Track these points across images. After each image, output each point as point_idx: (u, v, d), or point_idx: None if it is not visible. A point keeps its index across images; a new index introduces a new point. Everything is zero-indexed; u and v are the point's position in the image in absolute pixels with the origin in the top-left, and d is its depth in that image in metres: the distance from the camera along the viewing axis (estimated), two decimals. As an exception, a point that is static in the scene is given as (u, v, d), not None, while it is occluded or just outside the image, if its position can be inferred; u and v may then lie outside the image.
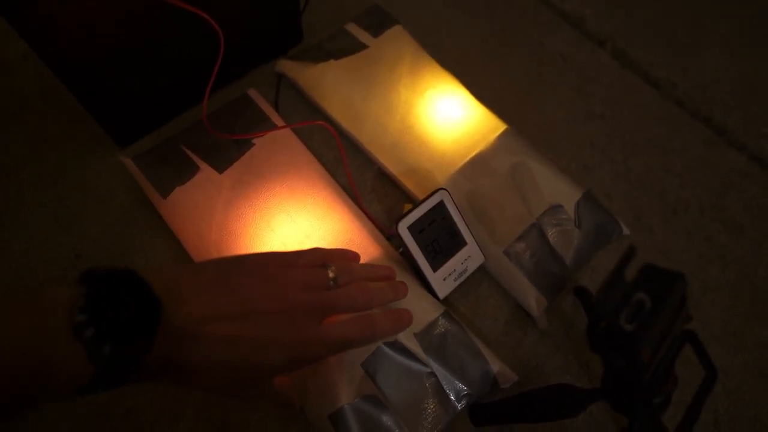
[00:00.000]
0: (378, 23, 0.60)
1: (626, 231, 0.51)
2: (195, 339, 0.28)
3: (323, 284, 0.34)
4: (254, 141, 0.51)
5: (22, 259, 0.46)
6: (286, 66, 0.57)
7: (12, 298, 0.24)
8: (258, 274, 0.32)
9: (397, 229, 0.43)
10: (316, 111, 0.56)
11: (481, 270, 0.48)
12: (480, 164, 0.51)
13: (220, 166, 0.49)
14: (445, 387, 0.41)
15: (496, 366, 0.42)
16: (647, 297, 0.27)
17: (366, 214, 0.50)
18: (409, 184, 0.51)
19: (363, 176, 0.53)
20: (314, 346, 0.32)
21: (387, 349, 0.41)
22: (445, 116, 0.54)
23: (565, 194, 0.50)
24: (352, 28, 0.60)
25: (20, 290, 0.25)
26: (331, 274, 0.34)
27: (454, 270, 0.46)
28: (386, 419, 0.39)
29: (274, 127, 0.52)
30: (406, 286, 0.40)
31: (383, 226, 0.49)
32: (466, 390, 0.41)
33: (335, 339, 0.33)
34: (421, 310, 0.43)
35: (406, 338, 0.41)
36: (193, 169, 0.49)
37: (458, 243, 0.46)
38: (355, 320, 0.34)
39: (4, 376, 0.23)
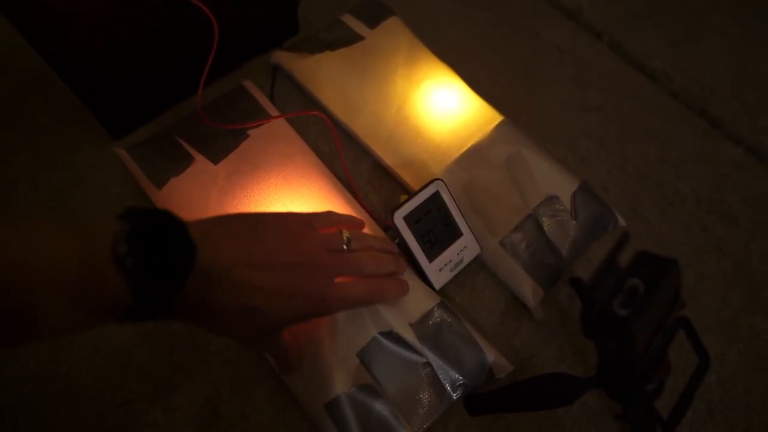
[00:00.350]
0: (374, 14, 0.60)
1: (622, 222, 0.52)
2: (225, 283, 0.31)
3: (338, 247, 0.37)
4: (249, 132, 0.51)
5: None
6: (282, 57, 0.57)
7: (68, 226, 0.27)
8: (280, 229, 0.35)
9: (392, 219, 0.43)
10: (311, 102, 0.56)
11: (477, 261, 0.48)
12: (476, 155, 0.51)
13: (215, 157, 0.49)
14: (440, 377, 0.41)
15: (491, 356, 0.42)
16: (641, 283, 0.27)
17: (362, 205, 0.49)
18: (405, 176, 0.51)
19: (359, 168, 0.53)
20: (328, 302, 0.35)
21: (382, 339, 0.41)
22: (441, 107, 0.54)
23: (562, 185, 0.50)
24: (349, 20, 0.60)
25: (73, 221, 0.27)
26: (345, 239, 0.38)
27: (450, 261, 0.46)
28: (382, 408, 0.39)
29: (269, 117, 0.52)
30: (405, 263, 0.44)
31: (379, 218, 0.49)
32: (461, 380, 0.41)
33: (347, 297, 0.36)
34: (417, 300, 0.43)
35: (401, 328, 0.41)
36: (188, 160, 0.49)
37: (454, 234, 0.46)
38: (365, 282, 0.38)
39: (51, 291, 0.25)
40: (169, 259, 0.27)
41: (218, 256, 0.30)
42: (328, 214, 0.40)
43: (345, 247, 0.38)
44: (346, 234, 0.38)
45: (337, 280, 0.36)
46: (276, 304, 0.33)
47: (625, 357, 0.28)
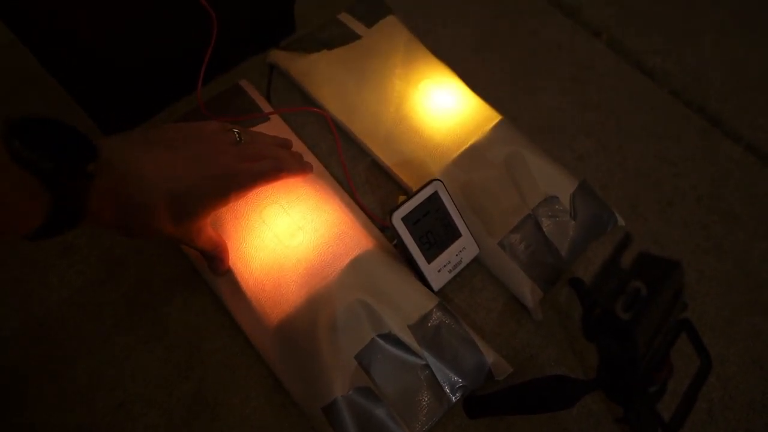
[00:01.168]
0: (371, 13, 0.59)
1: (621, 222, 0.51)
2: (138, 178, 0.33)
3: (232, 142, 0.41)
4: (246, 132, 0.50)
5: (10, 250, 0.46)
6: (278, 56, 0.56)
7: None
8: (180, 129, 0.39)
9: (391, 220, 0.43)
10: (308, 101, 0.55)
11: (476, 262, 0.48)
12: (474, 155, 0.51)
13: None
14: (439, 379, 0.40)
15: (491, 357, 0.42)
16: (643, 285, 0.27)
17: (360, 205, 0.49)
18: (403, 176, 0.51)
19: (356, 168, 0.52)
20: (238, 177, 0.39)
21: (381, 341, 0.40)
22: (439, 107, 0.53)
23: (561, 185, 0.50)
24: (345, 18, 0.59)
25: None
26: (236, 134, 0.41)
27: (449, 262, 0.46)
28: (380, 411, 0.38)
29: (263, 114, 0.52)
30: (304, 159, 0.47)
31: (377, 218, 0.49)
32: (460, 382, 0.41)
33: (254, 170, 0.40)
34: (416, 301, 0.43)
35: (399, 330, 0.41)
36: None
37: (453, 234, 0.46)
38: (268, 158, 0.42)
39: None
40: (65, 147, 0.28)
41: (126, 156, 0.33)
42: (215, 121, 0.43)
43: (239, 140, 0.41)
44: (236, 131, 0.42)
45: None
46: (193, 188, 0.36)
47: (627, 360, 0.27)
